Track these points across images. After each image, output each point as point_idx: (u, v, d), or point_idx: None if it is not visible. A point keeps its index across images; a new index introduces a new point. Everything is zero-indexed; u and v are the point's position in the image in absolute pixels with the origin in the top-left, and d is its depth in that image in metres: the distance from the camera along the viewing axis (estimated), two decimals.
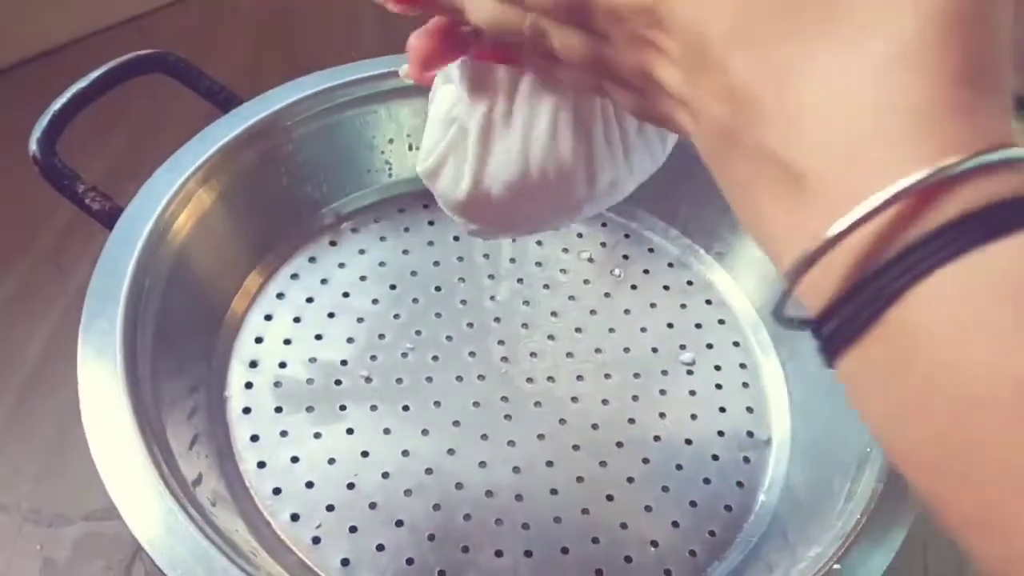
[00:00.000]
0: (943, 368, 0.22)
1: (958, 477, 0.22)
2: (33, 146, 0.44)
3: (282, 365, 0.46)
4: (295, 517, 0.41)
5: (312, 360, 0.46)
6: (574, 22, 0.28)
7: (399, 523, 0.42)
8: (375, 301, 0.49)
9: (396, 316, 0.48)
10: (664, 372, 0.47)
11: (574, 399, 0.46)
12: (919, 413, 0.22)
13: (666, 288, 0.51)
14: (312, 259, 0.50)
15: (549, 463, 0.44)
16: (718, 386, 0.47)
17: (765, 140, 0.24)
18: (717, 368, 0.48)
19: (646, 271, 0.51)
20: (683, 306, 0.50)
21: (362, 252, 0.51)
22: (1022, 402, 0.20)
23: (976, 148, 0.22)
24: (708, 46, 0.25)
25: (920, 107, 0.23)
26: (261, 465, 0.43)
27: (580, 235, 0.52)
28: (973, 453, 0.21)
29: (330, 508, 0.42)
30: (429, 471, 0.43)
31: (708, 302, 0.50)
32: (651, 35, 0.26)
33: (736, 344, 0.49)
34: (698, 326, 0.49)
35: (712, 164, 0.27)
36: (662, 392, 0.47)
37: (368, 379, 0.46)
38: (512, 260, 0.51)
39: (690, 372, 0.48)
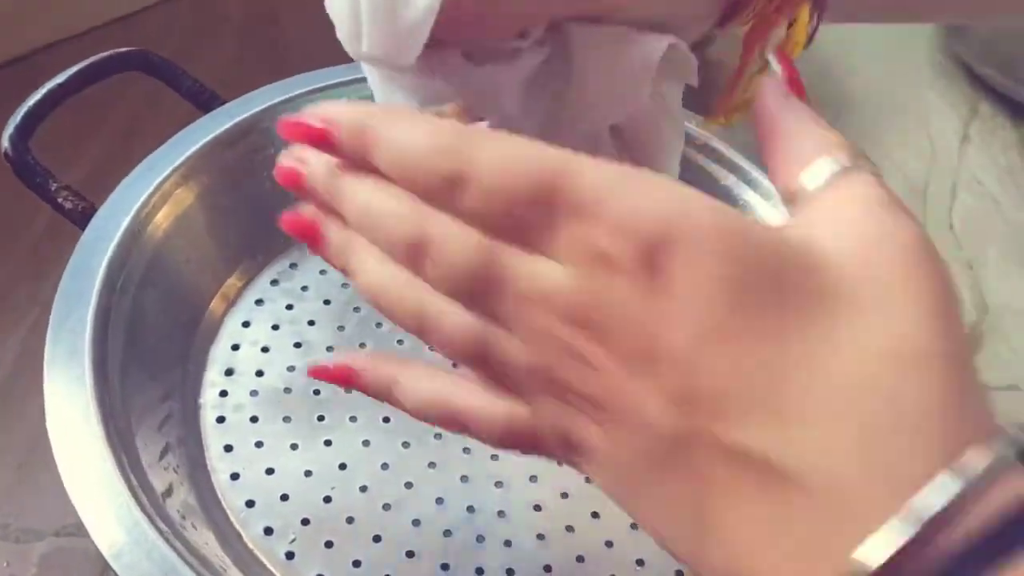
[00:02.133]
0: None
1: None
2: (5, 143, 0.43)
3: (259, 374, 0.45)
4: (268, 531, 0.40)
5: (290, 369, 0.45)
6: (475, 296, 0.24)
7: (377, 539, 0.40)
8: (356, 309, 0.47)
9: (378, 325, 0.47)
10: None
11: None
12: None
13: None
14: (293, 265, 0.49)
15: (533, 478, 0.43)
16: None
17: (746, 441, 0.21)
18: None
19: None
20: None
21: None
22: None
23: (989, 437, 0.20)
24: (662, 342, 0.22)
25: (931, 402, 0.21)
26: (235, 476, 0.41)
27: None
28: None
29: (305, 522, 0.40)
30: (409, 485, 0.42)
31: None
32: (573, 333, 0.23)
33: None
34: None
35: (635, 481, 0.23)
36: None
37: (347, 389, 0.44)
38: None
39: None
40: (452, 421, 0.27)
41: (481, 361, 0.25)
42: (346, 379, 0.29)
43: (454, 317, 0.25)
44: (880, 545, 0.19)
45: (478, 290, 0.23)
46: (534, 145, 0.23)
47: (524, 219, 0.22)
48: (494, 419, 0.27)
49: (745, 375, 0.21)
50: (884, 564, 0.19)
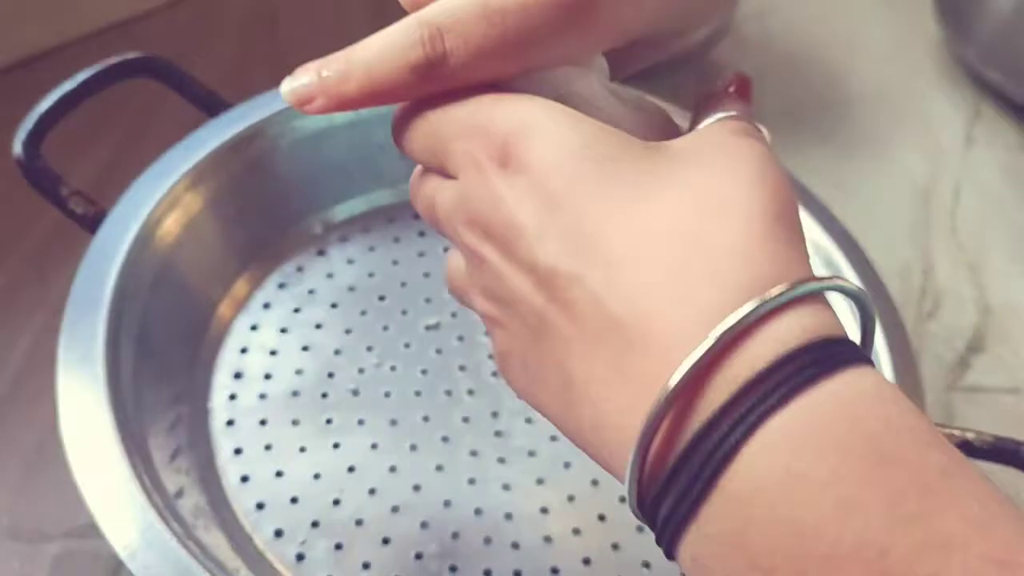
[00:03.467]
0: (784, 534, 0.21)
1: None
2: (17, 148, 0.43)
3: (268, 377, 0.45)
4: (279, 533, 0.40)
5: (298, 372, 0.45)
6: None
7: (385, 541, 0.41)
8: (363, 312, 0.48)
9: (385, 328, 0.47)
10: None
11: None
12: (770, 545, 0.21)
13: None
14: (300, 269, 0.49)
15: (539, 481, 0.43)
16: None
17: (580, 293, 0.24)
18: None
19: None
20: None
21: (351, 262, 0.50)
22: (865, 564, 0.20)
23: (795, 279, 0.22)
24: (516, 220, 0.25)
25: (736, 245, 0.23)
26: (244, 479, 0.42)
27: None
28: None
29: (315, 524, 0.41)
30: (417, 488, 0.42)
31: None
32: (469, 234, 0.27)
33: None
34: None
35: (528, 364, 0.26)
36: None
37: (355, 392, 0.45)
38: None
39: None
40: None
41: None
42: None
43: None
44: (683, 366, 0.22)
45: (428, 218, 0.29)
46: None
47: (435, 154, 0.28)
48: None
49: (578, 234, 0.24)
50: (683, 380, 0.22)
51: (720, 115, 0.27)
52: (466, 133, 0.26)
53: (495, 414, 0.45)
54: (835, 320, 0.23)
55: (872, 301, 0.26)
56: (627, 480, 0.23)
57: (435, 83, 0.27)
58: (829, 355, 0.22)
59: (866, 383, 0.22)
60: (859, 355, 0.23)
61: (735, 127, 0.27)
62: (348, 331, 0.47)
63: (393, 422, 0.44)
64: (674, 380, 0.22)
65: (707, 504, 0.22)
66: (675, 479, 0.22)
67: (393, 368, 0.46)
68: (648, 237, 0.24)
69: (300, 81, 0.28)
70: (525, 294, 0.25)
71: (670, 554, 0.23)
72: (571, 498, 0.43)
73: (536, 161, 0.25)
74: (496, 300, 0.27)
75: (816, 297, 0.23)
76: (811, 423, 0.21)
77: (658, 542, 0.24)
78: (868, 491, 0.20)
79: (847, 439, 0.21)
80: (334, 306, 0.48)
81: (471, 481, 0.43)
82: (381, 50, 0.27)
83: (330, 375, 0.45)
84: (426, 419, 0.44)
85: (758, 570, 0.21)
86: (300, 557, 0.40)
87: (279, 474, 0.42)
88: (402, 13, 0.29)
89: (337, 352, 0.46)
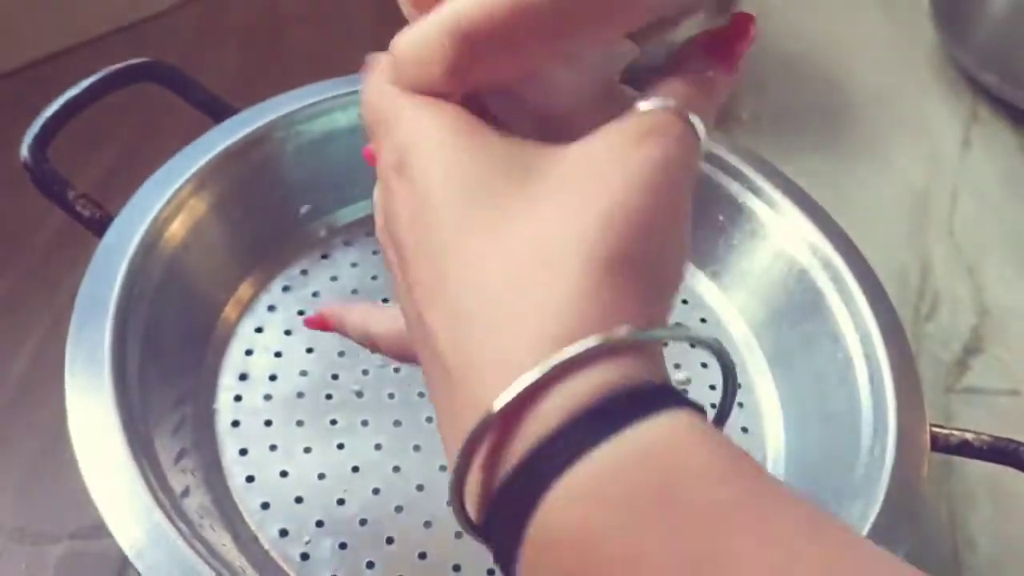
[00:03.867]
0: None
1: None
2: (24, 152, 0.44)
3: (272, 378, 0.45)
4: (284, 533, 0.41)
5: (303, 374, 0.46)
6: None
7: (390, 540, 0.41)
8: None
9: None
10: None
11: None
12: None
13: None
14: (304, 272, 0.49)
15: None
16: (713, 406, 0.47)
17: (431, 325, 0.24)
18: (712, 388, 0.47)
19: None
20: (677, 324, 0.50)
21: (354, 265, 0.50)
22: None
23: (607, 333, 0.22)
24: (398, 233, 0.26)
25: (560, 296, 0.22)
26: (250, 479, 0.42)
27: None
28: None
29: (320, 524, 0.41)
30: (420, 487, 0.43)
31: (703, 320, 0.50)
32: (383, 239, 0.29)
33: None
34: (692, 345, 0.49)
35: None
36: None
37: (359, 394, 0.45)
38: None
39: (684, 391, 0.47)
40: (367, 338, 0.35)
41: None
42: (323, 325, 0.37)
43: None
44: (481, 414, 0.22)
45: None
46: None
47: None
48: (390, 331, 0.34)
49: (434, 271, 0.24)
50: (477, 432, 0.22)
51: (650, 104, 0.26)
52: (379, 132, 0.27)
53: None
54: (652, 365, 0.23)
55: (725, 348, 0.26)
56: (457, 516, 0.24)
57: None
58: (628, 406, 0.21)
59: (665, 430, 0.21)
60: (668, 401, 0.22)
61: (644, 129, 0.25)
62: None
63: (397, 423, 0.44)
64: (468, 434, 0.22)
65: (521, 547, 0.22)
66: (490, 527, 0.23)
67: (396, 370, 0.46)
68: (486, 282, 0.23)
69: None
70: (408, 311, 0.26)
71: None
72: None
73: (418, 177, 0.25)
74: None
75: (641, 345, 0.23)
76: (603, 474, 0.21)
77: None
78: (650, 539, 0.20)
79: (635, 488, 0.21)
80: None
81: None
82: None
83: (334, 377, 0.46)
84: (429, 420, 0.45)
85: None
86: (305, 556, 0.40)
87: (284, 474, 0.42)
88: (402, 23, 0.29)
89: (341, 354, 0.46)
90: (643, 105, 0.26)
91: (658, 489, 0.20)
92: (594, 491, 0.21)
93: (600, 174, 0.24)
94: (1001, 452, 0.42)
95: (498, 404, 0.22)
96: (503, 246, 0.23)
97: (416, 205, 0.25)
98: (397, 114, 0.26)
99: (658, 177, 0.24)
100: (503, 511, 0.22)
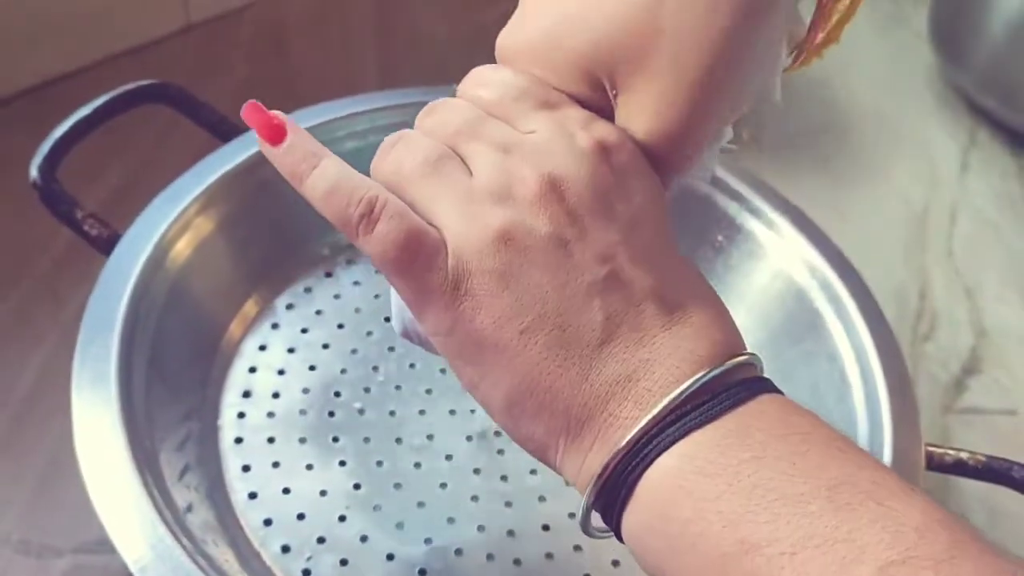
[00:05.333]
0: (680, 534, 0.27)
1: None
2: (34, 172, 0.45)
3: (275, 395, 0.46)
4: (286, 549, 0.41)
5: (305, 391, 0.46)
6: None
7: (390, 557, 0.41)
8: (369, 333, 0.49)
9: (390, 349, 0.48)
10: None
11: None
12: (688, 531, 0.27)
13: None
14: (307, 290, 0.50)
15: (541, 498, 0.44)
16: None
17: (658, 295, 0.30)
18: None
19: None
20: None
21: (357, 284, 0.51)
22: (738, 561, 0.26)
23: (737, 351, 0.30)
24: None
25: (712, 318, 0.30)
26: (252, 496, 0.42)
27: None
28: None
29: (321, 540, 0.41)
30: (421, 504, 0.43)
31: None
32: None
33: None
34: None
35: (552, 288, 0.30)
36: None
37: (361, 411, 0.46)
38: None
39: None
40: (370, 202, 0.30)
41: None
42: (270, 135, 0.32)
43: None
44: (719, 365, 0.29)
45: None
46: None
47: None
48: (407, 213, 0.30)
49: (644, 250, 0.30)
50: (710, 372, 0.28)
51: None
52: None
53: (498, 433, 0.45)
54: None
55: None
56: (654, 411, 0.28)
57: None
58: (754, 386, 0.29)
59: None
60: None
61: None
62: (354, 351, 0.48)
63: (398, 440, 0.45)
64: (674, 395, 0.28)
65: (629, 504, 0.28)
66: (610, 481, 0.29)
67: (398, 387, 0.47)
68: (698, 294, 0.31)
69: None
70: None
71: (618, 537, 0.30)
72: (572, 515, 0.43)
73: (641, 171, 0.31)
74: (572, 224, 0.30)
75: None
76: (692, 457, 0.27)
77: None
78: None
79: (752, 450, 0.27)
80: (340, 327, 0.49)
81: (474, 498, 0.43)
82: None
83: (336, 394, 0.46)
84: (430, 437, 0.45)
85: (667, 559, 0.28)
86: (307, 573, 0.41)
87: (286, 491, 0.43)
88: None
89: (343, 371, 0.47)
90: None
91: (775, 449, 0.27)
92: (682, 474, 0.27)
93: None
94: (996, 472, 0.43)
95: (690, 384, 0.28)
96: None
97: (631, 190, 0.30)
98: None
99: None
100: (614, 479, 0.28)
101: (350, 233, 0.30)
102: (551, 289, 0.29)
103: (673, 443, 0.27)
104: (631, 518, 0.28)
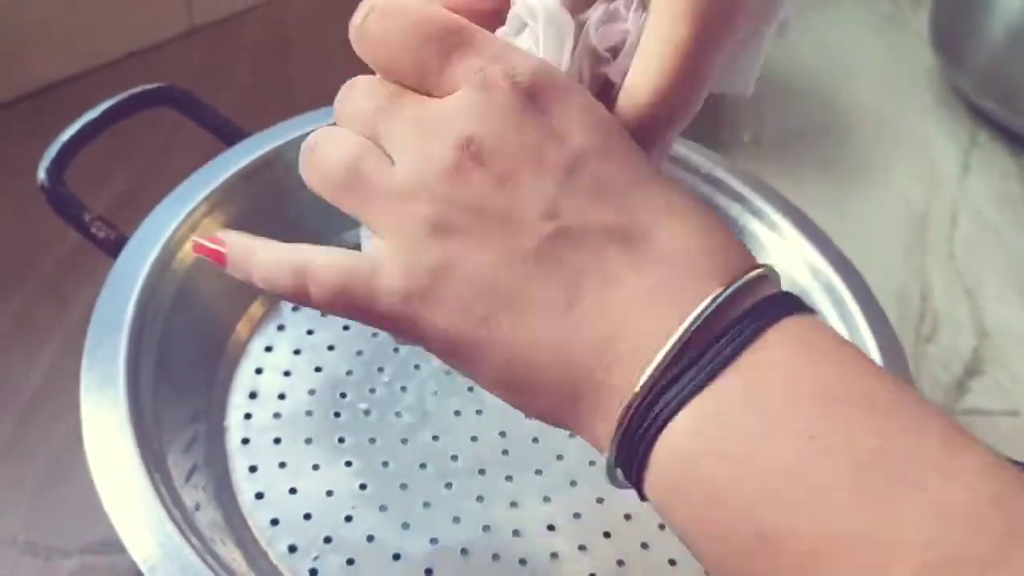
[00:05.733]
0: (709, 485, 0.25)
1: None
2: (42, 175, 0.45)
3: (281, 397, 0.46)
4: (292, 549, 0.41)
5: (311, 392, 0.46)
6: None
7: (396, 556, 0.42)
8: (374, 334, 0.49)
9: (395, 350, 0.48)
10: None
11: (572, 435, 0.46)
12: (704, 518, 0.26)
13: None
14: None
15: (546, 498, 0.44)
16: None
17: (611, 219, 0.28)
18: None
19: None
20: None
21: None
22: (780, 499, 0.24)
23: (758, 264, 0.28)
24: (549, 155, 0.29)
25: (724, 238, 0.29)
26: (259, 496, 0.43)
27: None
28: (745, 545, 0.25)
29: (328, 540, 0.42)
30: (427, 504, 0.43)
31: None
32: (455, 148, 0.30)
33: None
34: None
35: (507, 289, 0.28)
36: None
37: (367, 412, 0.46)
38: None
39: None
40: (297, 274, 0.31)
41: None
42: (216, 257, 0.34)
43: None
44: (707, 301, 0.26)
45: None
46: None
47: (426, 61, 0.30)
48: (331, 264, 0.30)
49: (606, 183, 0.27)
50: (702, 314, 0.26)
51: None
52: (484, 54, 0.29)
53: (503, 433, 0.46)
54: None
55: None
56: (642, 379, 0.26)
57: None
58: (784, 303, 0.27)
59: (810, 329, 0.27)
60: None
61: None
62: (359, 352, 0.48)
63: (404, 441, 0.45)
64: (695, 313, 0.26)
65: (650, 461, 0.26)
66: (627, 438, 0.27)
67: (403, 388, 0.47)
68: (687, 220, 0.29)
69: None
70: (531, 225, 0.27)
71: (640, 496, 0.28)
72: (577, 515, 0.44)
73: (566, 112, 0.28)
74: (476, 215, 0.28)
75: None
76: (719, 399, 0.25)
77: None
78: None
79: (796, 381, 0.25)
80: (346, 328, 0.49)
81: (479, 498, 0.44)
82: None
83: (342, 395, 0.46)
84: (435, 438, 0.45)
85: (695, 513, 0.26)
86: (313, 572, 0.41)
87: (293, 491, 0.43)
88: None
89: (349, 373, 0.47)
90: None
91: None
92: (713, 415, 0.25)
93: None
94: None
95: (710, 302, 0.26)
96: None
97: (578, 140, 0.28)
98: (510, 49, 0.30)
99: None
100: (633, 437, 0.26)
101: (304, 304, 0.31)
102: (498, 266, 0.27)
103: (673, 414, 0.25)
104: (650, 489, 0.27)
